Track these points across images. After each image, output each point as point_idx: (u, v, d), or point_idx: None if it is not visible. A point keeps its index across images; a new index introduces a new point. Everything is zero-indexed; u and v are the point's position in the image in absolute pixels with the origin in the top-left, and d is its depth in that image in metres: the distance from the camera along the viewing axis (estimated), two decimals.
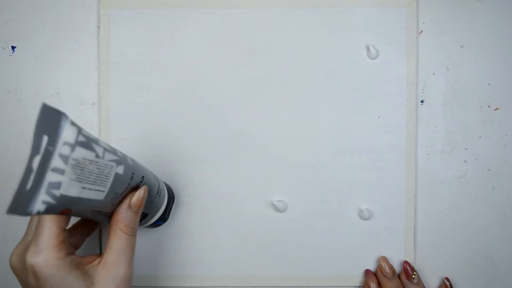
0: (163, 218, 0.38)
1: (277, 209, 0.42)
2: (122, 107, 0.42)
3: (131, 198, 0.29)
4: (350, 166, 0.42)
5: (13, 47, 0.42)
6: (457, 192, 0.42)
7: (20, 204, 0.22)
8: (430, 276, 0.43)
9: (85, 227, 0.35)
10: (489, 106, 0.42)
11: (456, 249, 0.43)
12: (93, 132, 0.42)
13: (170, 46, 0.42)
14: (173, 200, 0.40)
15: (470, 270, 0.43)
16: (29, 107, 0.42)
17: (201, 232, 0.42)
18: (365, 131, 0.42)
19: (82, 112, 0.42)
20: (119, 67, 0.42)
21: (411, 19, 0.42)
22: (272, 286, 0.42)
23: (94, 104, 0.43)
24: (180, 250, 0.42)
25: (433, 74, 0.42)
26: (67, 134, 0.23)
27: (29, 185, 0.22)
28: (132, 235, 0.30)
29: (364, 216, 0.42)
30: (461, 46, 0.42)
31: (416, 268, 0.42)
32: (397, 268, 0.42)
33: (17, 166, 0.42)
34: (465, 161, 0.42)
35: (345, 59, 0.42)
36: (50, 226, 0.28)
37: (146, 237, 0.42)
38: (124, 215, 0.29)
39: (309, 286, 0.42)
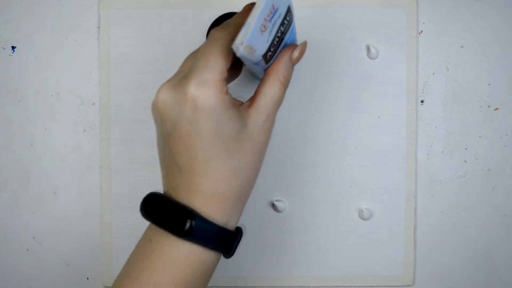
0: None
1: (277, 209, 0.42)
2: (122, 107, 0.42)
3: (292, 50, 0.30)
4: (350, 166, 0.42)
5: (13, 47, 0.42)
6: (457, 192, 0.42)
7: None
8: (430, 276, 0.43)
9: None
10: (489, 106, 0.42)
11: (456, 249, 0.43)
12: (93, 132, 0.42)
13: (170, 46, 0.42)
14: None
15: (470, 270, 0.43)
16: (29, 107, 0.42)
17: None
18: (365, 131, 0.42)
19: (82, 112, 0.42)
20: (119, 67, 0.42)
21: (411, 19, 0.42)
22: (272, 286, 0.42)
23: (94, 104, 0.43)
24: None
25: (433, 74, 0.42)
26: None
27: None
28: (285, 89, 0.29)
29: (364, 216, 0.42)
30: (461, 46, 0.42)
31: (416, 268, 0.42)
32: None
33: (17, 166, 0.42)
34: (465, 161, 0.43)
35: (345, 59, 0.42)
36: (218, 60, 0.26)
37: None
38: (285, 66, 0.29)
39: (309, 286, 0.42)
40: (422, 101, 0.42)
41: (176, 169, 0.28)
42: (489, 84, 0.42)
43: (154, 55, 0.42)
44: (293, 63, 0.30)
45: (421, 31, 0.42)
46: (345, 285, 0.42)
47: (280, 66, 0.29)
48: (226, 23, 0.29)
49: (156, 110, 0.28)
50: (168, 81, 0.28)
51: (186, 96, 0.26)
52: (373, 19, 0.42)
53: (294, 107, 0.42)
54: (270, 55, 0.29)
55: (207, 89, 0.26)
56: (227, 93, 0.27)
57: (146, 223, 0.31)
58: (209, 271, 0.30)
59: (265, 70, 0.30)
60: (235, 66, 0.34)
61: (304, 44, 0.31)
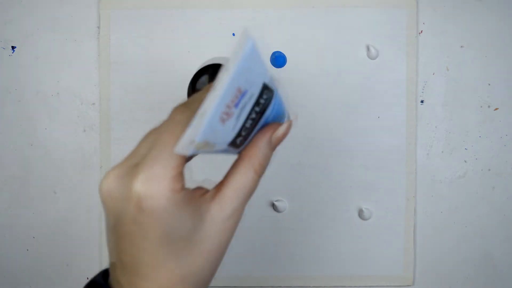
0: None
1: (277, 209, 0.42)
2: (122, 107, 0.42)
3: (273, 131, 0.25)
4: (350, 166, 0.42)
5: (13, 47, 0.42)
6: (457, 192, 0.42)
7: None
8: (430, 276, 0.43)
9: None
10: (489, 106, 0.42)
11: (456, 249, 0.43)
12: (93, 132, 0.42)
13: (170, 46, 0.42)
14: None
15: (470, 270, 0.43)
16: (29, 107, 0.42)
17: None
18: (365, 131, 0.42)
19: (82, 112, 0.42)
20: (119, 67, 0.42)
21: (411, 19, 0.42)
22: (272, 286, 0.42)
23: (94, 104, 0.43)
24: None
25: (433, 74, 0.42)
26: None
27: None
28: (259, 178, 0.25)
29: (364, 216, 0.42)
30: (461, 46, 0.42)
31: (416, 268, 0.42)
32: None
33: (17, 166, 0.42)
34: (465, 161, 0.42)
35: (345, 59, 0.42)
36: (171, 152, 0.22)
37: None
38: (262, 152, 0.25)
39: (309, 286, 0.42)
40: (422, 101, 0.42)
41: (121, 265, 0.24)
42: (489, 84, 0.42)
43: (154, 55, 0.42)
44: (273, 146, 0.25)
45: (421, 31, 0.42)
46: (345, 285, 0.42)
47: (255, 152, 0.25)
48: (193, 99, 0.24)
49: (101, 197, 0.24)
50: (118, 166, 0.24)
51: (131, 193, 0.22)
52: (373, 19, 0.42)
53: (294, 107, 0.42)
54: (241, 140, 0.23)
55: (156, 188, 0.22)
56: (181, 189, 0.23)
57: None
58: None
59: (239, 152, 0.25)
60: None
61: (289, 124, 0.25)
